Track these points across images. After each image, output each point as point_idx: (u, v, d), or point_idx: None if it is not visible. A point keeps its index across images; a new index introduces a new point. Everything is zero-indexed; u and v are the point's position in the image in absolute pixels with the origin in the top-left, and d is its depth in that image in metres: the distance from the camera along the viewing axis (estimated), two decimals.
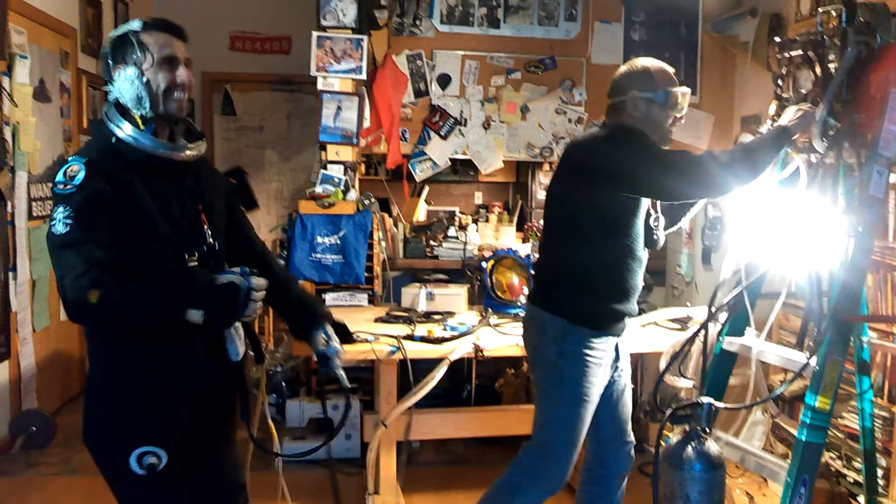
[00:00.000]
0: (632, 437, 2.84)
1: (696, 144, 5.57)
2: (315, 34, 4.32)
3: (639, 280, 2.63)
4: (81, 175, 1.81)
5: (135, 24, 1.94)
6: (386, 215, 4.85)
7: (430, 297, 3.85)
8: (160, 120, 1.95)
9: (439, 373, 3.21)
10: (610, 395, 2.73)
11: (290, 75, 6.45)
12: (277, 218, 6.53)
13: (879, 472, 2.91)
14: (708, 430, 2.31)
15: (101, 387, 1.97)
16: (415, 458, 4.05)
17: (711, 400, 2.32)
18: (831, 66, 2.36)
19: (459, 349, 3.20)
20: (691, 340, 2.63)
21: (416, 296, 3.85)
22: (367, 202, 4.38)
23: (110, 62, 1.93)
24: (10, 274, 4.05)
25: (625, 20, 5.53)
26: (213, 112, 6.60)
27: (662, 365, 3.17)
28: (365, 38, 4.36)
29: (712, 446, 2.30)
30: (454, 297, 3.91)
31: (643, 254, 2.62)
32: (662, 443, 2.35)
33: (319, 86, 4.39)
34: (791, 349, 2.78)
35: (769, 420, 3.66)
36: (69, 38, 4.88)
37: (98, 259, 1.79)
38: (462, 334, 3.31)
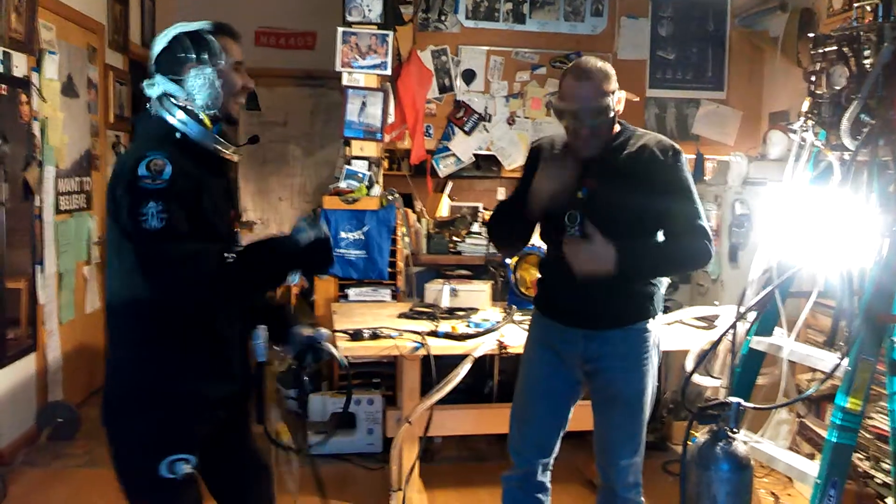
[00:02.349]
0: (623, 479, 2.50)
1: (722, 141, 5.52)
2: (340, 30, 4.32)
3: (554, 278, 2.54)
4: (169, 170, 1.79)
5: (205, 26, 1.93)
6: (409, 211, 4.85)
7: (454, 293, 3.84)
8: (218, 120, 1.96)
9: (463, 369, 3.20)
10: (594, 402, 2.57)
11: (315, 70, 6.45)
12: (301, 213, 6.55)
13: None
14: (736, 430, 2.28)
15: (132, 393, 1.92)
16: (436, 454, 4.05)
17: (740, 400, 2.29)
18: (866, 62, 2.32)
19: (483, 346, 3.19)
20: (720, 339, 2.60)
21: (439, 292, 3.84)
22: (390, 198, 4.38)
23: (188, 58, 1.90)
24: (38, 267, 4.09)
25: (651, 15, 5.49)
26: None
27: (690, 364, 3.15)
28: (390, 33, 4.35)
29: (740, 447, 2.27)
30: (478, 293, 3.89)
31: (560, 254, 2.42)
32: (690, 442, 2.33)
33: (344, 81, 4.38)
34: (820, 349, 2.74)
35: (795, 419, 3.62)
36: (97, 33, 4.92)
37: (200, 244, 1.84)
38: (486, 331, 3.30)
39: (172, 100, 1.91)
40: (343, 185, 4.34)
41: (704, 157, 5.42)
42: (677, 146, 2.40)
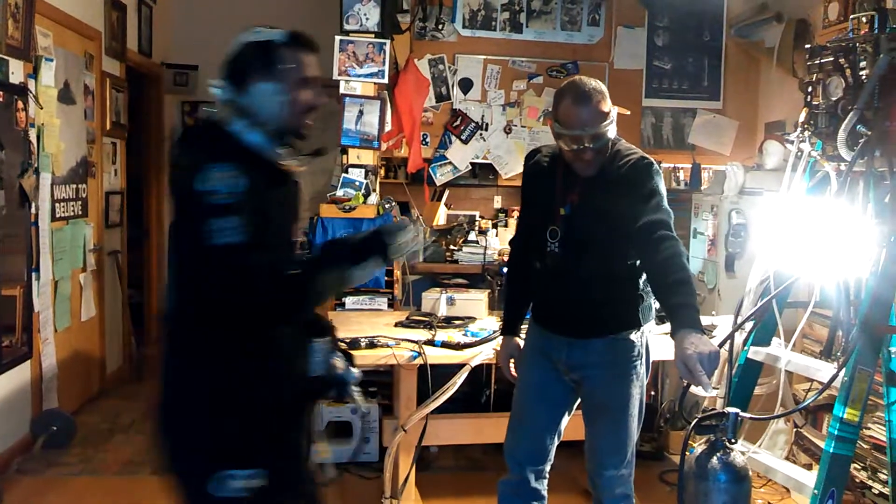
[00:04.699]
0: (610, 490, 2.52)
1: (719, 150, 5.54)
2: (338, 38, 4.33)
3: (541, 288, 2.58)
4: (240, 181, 1.70)
5: (277, 36, 1.85)
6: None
7: (451, 301, 3.83)
8: (282, 135, 1.88)
9: (460, 378, 3.19)
10: (583, 410, 2.59)
11: None
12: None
13: None
14: (733, 441, 2.27)
15: (196, 403, 1.83)
16: (433, 463, 4.04)
17: (738, 410, 2.29)
18: (863, 73, 2.33)
19: (480, 355, 3.19)
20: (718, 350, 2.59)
21: (436, 301, 3.83)
22: (387, 206, 4.38)
23: (252, 70, 1.83)
24: (34, 274, 4.08)
25: (648, 25, 5.51)
26: None
27: None
28: (387, 42, 4.36)
29: (738, 457, 2.26)
30: (475, 302, 3.88)
31: (543, 266, 2.50)
32: (687, 453, 2.32)
33: (341, 89, 4.39)
34: (816, 359, 2.74)
35: (792, 429, 3.62)
36: (94, 40, 4.91)
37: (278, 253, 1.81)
38: (483, 340, 3.29)
39: (235, 108, 1.83)
40: (340, 193, 4.35)
41: (701, 167, 5.44)
42: (653, 162, 2.40)
